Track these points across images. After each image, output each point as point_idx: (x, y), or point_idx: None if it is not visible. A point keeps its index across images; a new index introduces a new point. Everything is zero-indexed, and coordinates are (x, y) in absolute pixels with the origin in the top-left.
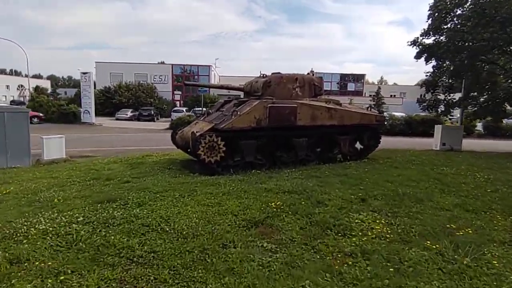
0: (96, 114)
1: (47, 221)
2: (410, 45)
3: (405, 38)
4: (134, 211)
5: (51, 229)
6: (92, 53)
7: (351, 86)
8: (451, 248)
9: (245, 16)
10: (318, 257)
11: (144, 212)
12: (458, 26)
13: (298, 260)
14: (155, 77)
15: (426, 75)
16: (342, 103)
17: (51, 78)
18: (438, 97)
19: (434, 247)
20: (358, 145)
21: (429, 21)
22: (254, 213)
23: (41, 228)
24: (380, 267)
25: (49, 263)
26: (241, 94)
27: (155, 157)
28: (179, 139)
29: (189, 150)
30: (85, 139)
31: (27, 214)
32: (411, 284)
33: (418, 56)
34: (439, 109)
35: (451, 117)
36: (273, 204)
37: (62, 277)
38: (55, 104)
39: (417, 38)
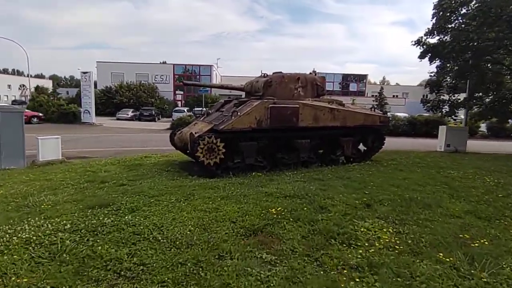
0: (97, 114)
1: (32, 228)
2: (414, 44)
3: (407, 39)
4: (126, 217)
5: (34, 238)
6: (94, 53)
7: (353, 87)
8: (466, 261)
9: (248, 16)
10: (321, 271)
11: (137, 219)
12: (463, 25)
13: (299, 275)
14: (156, 77)
15: (430, 75)
16: (345, 104)
17: (53, 78)
18: (442, 97)
19: (447, 260)
20: (361, 147)
21: (434, 20)
22: (254, 220)
23: (24, 236)
24: (389, 283)
25: (25, 280)
26: (243, 94)
27: (154, 159)
28: (177, 140)
29: (188, 151)
30: (84, 140)
31: (12, 221)
32: None
33: (422, 56)
34: (443, 110)
35: (455, 117)
36: (273, 210)
37: None
38: (54, 104)
39: (421, 37)
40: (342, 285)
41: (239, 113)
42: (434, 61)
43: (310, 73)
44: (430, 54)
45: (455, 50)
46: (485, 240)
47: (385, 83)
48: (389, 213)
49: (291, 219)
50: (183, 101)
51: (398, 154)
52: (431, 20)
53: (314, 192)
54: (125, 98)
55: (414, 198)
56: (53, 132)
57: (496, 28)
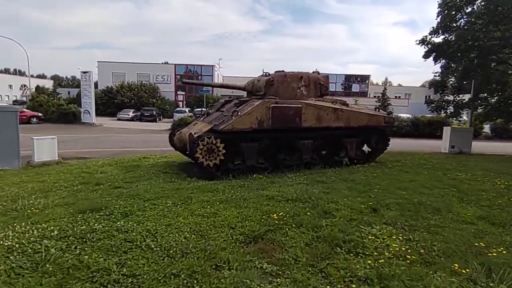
0: (98, 114)
1: (16, 235)
2: (419, 44)
3: (409, 39)
4: (118, 223)
5: (17, 245)
6: (96, 53)
7: (355, 87)
8: (483, 273)
9: (249, 17)
10: (327, 284)
11: (129, 225)
12: (468, 24)
13: None
14: (157, 77)
15: (435, 75)
16: (349, 104)
17: (55, 78)
18: (447, 98)
19: (463, 271)
20: (365, 148)
21: (438, 19)
22: (254, 226)
23: (6, 244)
24: None
25: None
26: (245, 94)
27: (153, 159)
28: (177, 141)
29: (187, 152)
30: (83, 140)
31: None
32: None
33: (426, 56)
34: (448, 110)
35: (460, 118)
36: (275, 215)
37: None
38: (54, 104)
39: (426, 36)
40: None
41: (239, 113)
42: (439, 61)
43: (313, 72)
44: (434, 54)
45: (460, 49)
46: (501, 248)
47: (388, 84)
48: (397, 218)
49: (294, 225)
50: (184, 102)
51: (403, 156)
52: (436, 19)
53: (318, 196)
54: (126, 98)
55: (422, 202)
56: (52, 132)
57: (503, 27)
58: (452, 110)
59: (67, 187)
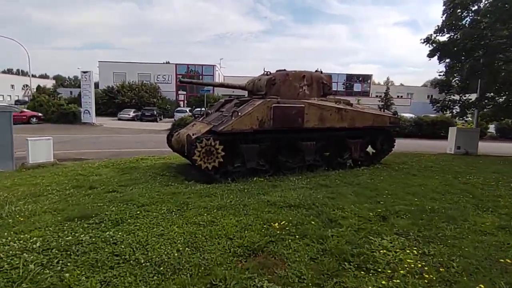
0: (99, 114)
1: None
2: (423, 42)
3: (411, 39)
4: (107, 233)
5: None
6: (98, 53)
7: (357, 87)
8: None
9: (251, 17)
10: None
11: (119, 235)
12: (475, 22)
13: None
14: (158, 77)
15: (440, 75)
16: (352, 104)
17: (57, 78)
18: (452, 97)
19: None
20: (370, 149)
21: (443, 18)
22: (254, 236)
23: None
24: None
25: None
26: (246, 93)
27: (150, 161)
28: (175, 142)
29: (185, 154)
30: (83, 140)
31: None
32: None
33: (431, 55)
34: (454, 110)
35: (466, 118)
36: (276, 224)
37: None
38: (54, 104)
39: (430, 35)
40: None
41: (239, 113)
42: (443, 60)
43: (316, 71)
44: (439, 53)
45: (466, 48)
46: None
47: (390, 84)
48: (409, 228)
49: (297, 236)
50: (185, 101)
51: (408, 157)
52: (441, 17)
53: (322, 202)
54: (127, 98)
55: (435, 209)
56: (51, 132)
57: (511, 25)
58: (458, 110)
59: (59, 191)
